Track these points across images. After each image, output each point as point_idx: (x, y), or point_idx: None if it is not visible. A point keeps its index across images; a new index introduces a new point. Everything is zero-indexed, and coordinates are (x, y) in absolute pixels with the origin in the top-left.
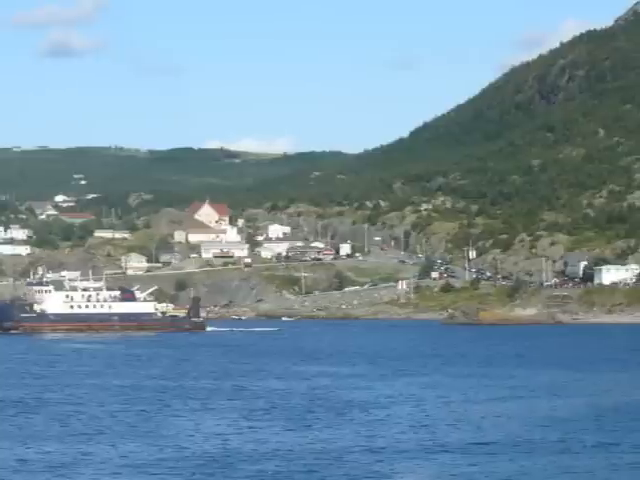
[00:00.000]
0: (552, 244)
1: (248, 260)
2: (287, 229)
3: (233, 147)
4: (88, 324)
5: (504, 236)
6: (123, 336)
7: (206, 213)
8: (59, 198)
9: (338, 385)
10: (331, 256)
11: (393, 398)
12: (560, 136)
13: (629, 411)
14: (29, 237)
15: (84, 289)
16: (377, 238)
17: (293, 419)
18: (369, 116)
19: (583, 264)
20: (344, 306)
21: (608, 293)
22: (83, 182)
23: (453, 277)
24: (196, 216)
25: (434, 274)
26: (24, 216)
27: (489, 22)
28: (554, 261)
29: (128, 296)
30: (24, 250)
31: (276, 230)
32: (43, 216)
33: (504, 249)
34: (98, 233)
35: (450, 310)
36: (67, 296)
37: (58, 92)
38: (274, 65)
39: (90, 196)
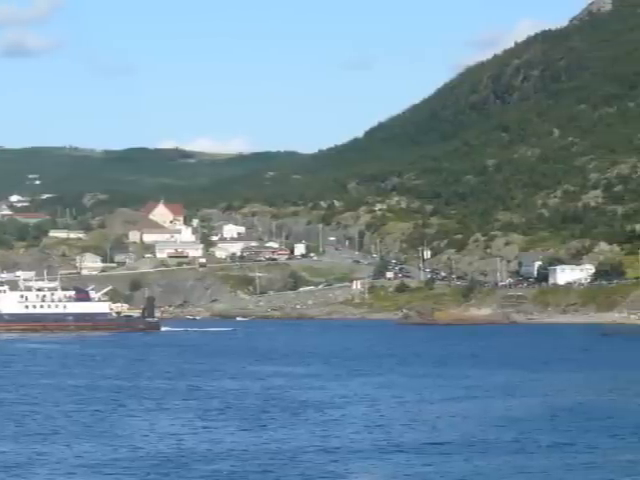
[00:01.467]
0: (507, 244)
1: (203, 260)
2: (242, 229)
3: (188, 147)
4: (43, 324)
5: (459, 236)
6: (78, 336)
7: (161, 213)
8: (14, 198)
9: (293, 385)
10: (286, 256)
11: (348, 398)
12: (515, 136)
13: (583, 411)
14: None
15: (39, 289)
16: (332, 238)
17: (248, 419)
18: (324, 116)
19: (538, 264)
20: (299, 306)
21: (563, 293)
22: (38, 182)
23: (408, 277)
24: (151, 216)
25: (389, 274)
26: None
27: (444, 22)
28: (509, 261)
29: (83, 296)
30: None
31: (231, 230)
32: None
33: (459, 249)
34: (53, 233)
35: (405, 310)
36: (22, 296)
37: (13, 92)
38: (229, 65)
39: (45, 196)
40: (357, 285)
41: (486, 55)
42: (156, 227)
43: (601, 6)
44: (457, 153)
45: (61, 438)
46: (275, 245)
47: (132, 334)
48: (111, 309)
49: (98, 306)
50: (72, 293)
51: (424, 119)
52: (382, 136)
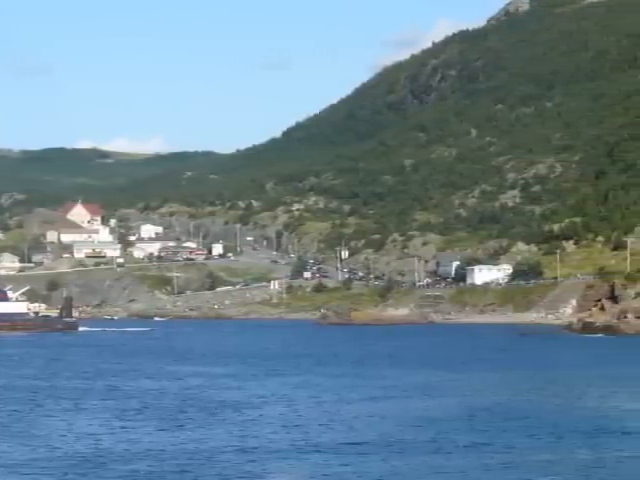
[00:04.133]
0: (424, 244)
1: (120, 260)
2: (159, 229)
3: (105, 147)
4: None
5: (376, 236)
6: None
7: (78, 213)
8: None
9: (210, 385)
10: (203, 256)
11: (265, 398)
12: (432, 136)
13: (501, 411)
14: None
15: None
16: (249, 238)
17: (165, 419)
18: (242, 116)
19: (455, 264)
20: (216, 306)
21: (480, 293)
22: None
23: (325, 277)
24: (69, 216)
25: (306, 274)
26: None
27: (362, 22)
28: (426, 261)
29: (0, 296)
30: None
31: (148, 230)
32: None
33: (376, 249)
34: None
35: (322, 310)
36: None
37: None
38: (146, 65)
39: None
40: (275, 285)
41: (403, 55)
42: (74, 227)
43: (518, 6)
44: (374, 153)
45: None
46: (193, 245)
47: (50, 334)
48: (29, 309)
49: (16, 306)
50: None
51: (342, 119)
52: (300, 136)
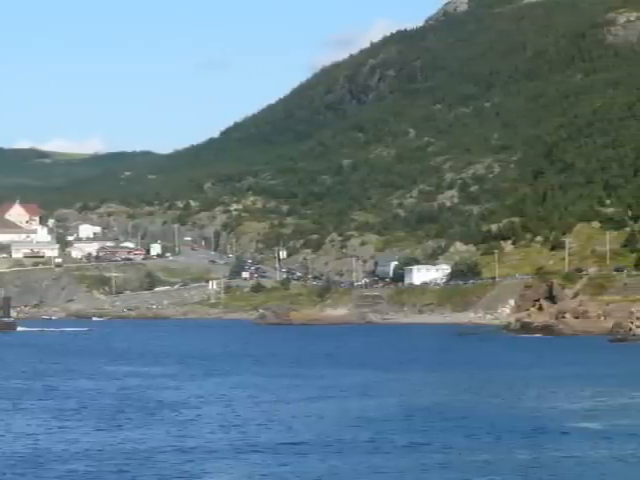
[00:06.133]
0: (363, 244)
1: (58, 260)
2: (97, 229)
3: (43, 147)
4: None
5: (315, 236)
6: None
7: (16, 213)
8: None
9: (149, 385)
10: (141, 256)
11: (204, 398)
12: (371, 136)
13: (439, 411)
14: None
15: None
16: (187, 238)
17: (104, 419)
18: (180, 116)
19: (394, 264)
20: (154, 306)
21: (418, 293)
22: None
23: (264, 277)
24: (6, 216)
25: (245, 274)
26: None
27: (300, 22)
28: (365, 261)
29: None
30: None
31: (87, 230)
32: None
33: (315, 249)
34: None
35: (261, 310)
36: None
37: None
38: (85, 65)
39: None
40: (213, 285)
41: (342, 55)
42: (12, 227)
43: (457, 6)
44: (313, 153)
45: None
46: (131, 245)
47: None
48: None
49: None
50: None
51: (280, 119)
52: (238, 136)
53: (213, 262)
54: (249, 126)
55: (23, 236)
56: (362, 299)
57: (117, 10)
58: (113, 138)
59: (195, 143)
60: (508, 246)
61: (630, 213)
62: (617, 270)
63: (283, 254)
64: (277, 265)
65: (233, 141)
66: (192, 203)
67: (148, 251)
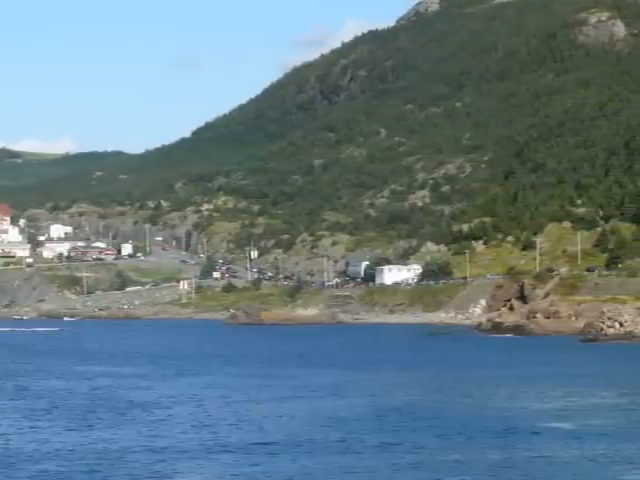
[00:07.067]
0: (334, 244)
1: (30, 260)
2: (69, 229)
3: (14, 147)
4: None
5: (286, 236)
6: None
7: None
8: None
9: (120, 385)
10: (113, 256)
11: (175, 398)
12: (342, 136)
13: (410, 411)
14: None
15: None
16: (159, 238)
17: (75, 419)
18: (151, 116)
19: (365, 264)
20: (126, 306)
21: (390, 293)
22: None
23: (235, 277)
24: None
25: (216, 274)
26: None
27: (271, 22)
28: (336, 261)
29: None
30: None
31: (58, 230)
32: None
33: (286, 249)
34: None
35: (232, 310)
36: None
37: None
38: (56, 65)
39: None
40: (184, 285)
41: (313, 55)
42: None
43: (428, 6)
44: (284, 153)
45: None
46: (102, 245)
47: None
48: None
49: None
50: None
51: (251, 119)
52: (209, 136)
53: (184, 262)
54: (220, 126)
55: None
56: (333, 299)
57: (88, 10)
58: (84, 138)
59: (166, 143)
60: (479, 246)
61: (601, 213)
62: (588, 270)
63: (254, 254)
64: (248, 265)
65: (204, 141)
66: (163, 203)
67: (119, 251)
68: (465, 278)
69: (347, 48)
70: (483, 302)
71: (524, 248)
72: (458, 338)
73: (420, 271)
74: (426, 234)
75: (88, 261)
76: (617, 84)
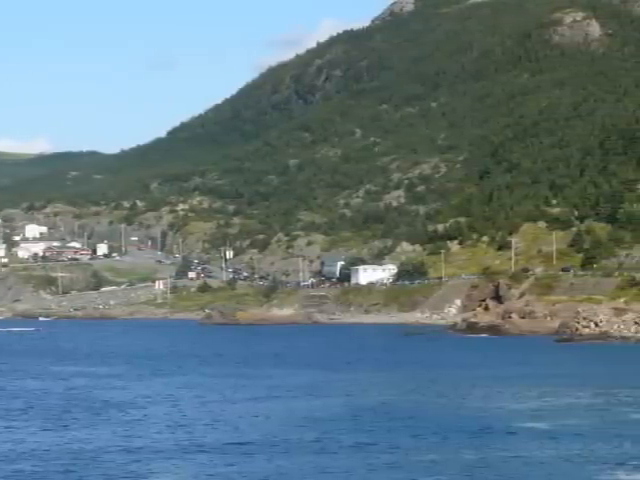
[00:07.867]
0: (309, 244)
1: (5, 260)
2: (44, 229)
3: None
4: None
5: (261, 236)
6: None
7: None
8: None
9: (95, 385)
10: (88, 256)
11: (150, 398)
12: (317, 136)
13: (386, 411)
14: None
15: None
16: (134, 238)
17: (50, 419)
18: (126, 116)
19: (340, 264)
20: (101, 306)
21: (365, 293)
22: None
23: (210, 277)
24: None
25: (191, 274)
26: None
27: (246, 22)
28: (311, 261)
29: None
30: None
31: (33, 230)
32: None
33: (261, 249)
34: None
35: (207, 310)
36: None
37: None
38: (31, 64)
39: None
40: (159, 285)
41: (288, 55)
42: None
43: (403, 6)
44: (259, 153)
45: None
46: (77, 245)
47: None
48: None
49: None
50: None
51: (227, 119)
52: (185, 136)
53: (160, 262)
54: (196, 126)
55: None
56: (308, 299)
57: (63, 10)
58: (59, 138)
59: (142, 143)
60: (454, 246)
61: (576, 213)
62: (564, 270)
63: (229, 254)
64: (223, 265)
65: (180, 141)
66: (139, 203)
67: (95, 251)
68: (440, 278)
69: (322, 48)
70: (458, 302)
71: (499, 248)
72: (433, 338)
73: (395, 271)
74: (401, 234)
75: (63, 261)
76: (592, 84)
